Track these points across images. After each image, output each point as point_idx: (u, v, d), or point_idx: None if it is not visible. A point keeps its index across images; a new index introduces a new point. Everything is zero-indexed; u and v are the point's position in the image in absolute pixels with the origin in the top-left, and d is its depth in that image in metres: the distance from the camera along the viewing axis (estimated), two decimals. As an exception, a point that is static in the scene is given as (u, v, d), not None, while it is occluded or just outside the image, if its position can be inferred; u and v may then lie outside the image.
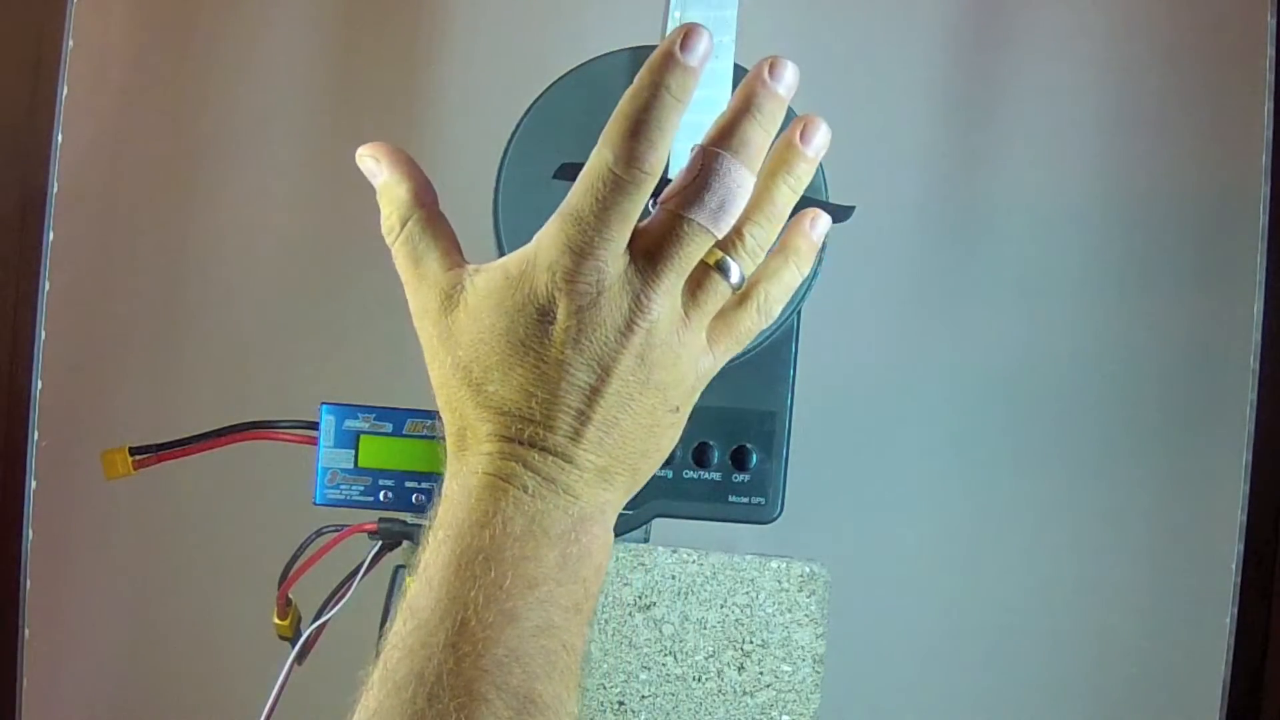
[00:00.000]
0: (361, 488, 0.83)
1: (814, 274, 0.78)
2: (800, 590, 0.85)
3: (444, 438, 0.54)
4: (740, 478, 0.82)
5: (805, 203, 0.76)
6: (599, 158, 0.51)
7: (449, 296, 0.54)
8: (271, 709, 0.80)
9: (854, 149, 1.28)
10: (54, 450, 1.29)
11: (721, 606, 0.85)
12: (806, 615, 0.85)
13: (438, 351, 0.54)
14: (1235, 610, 1.30)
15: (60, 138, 1.29)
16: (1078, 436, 1.33)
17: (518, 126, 0.78)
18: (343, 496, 0.84)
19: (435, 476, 0.85)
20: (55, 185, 1.29)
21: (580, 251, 0.50)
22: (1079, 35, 1.33)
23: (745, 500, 0.82)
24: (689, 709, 0.85)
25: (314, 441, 0.83)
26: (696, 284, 0.53)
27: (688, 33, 0.50)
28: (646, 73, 0.50)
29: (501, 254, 0.77)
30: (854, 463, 1.32)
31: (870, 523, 1.32)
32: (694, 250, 0.52)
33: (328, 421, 0.83)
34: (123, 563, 1.31)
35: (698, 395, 0.55)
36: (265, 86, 1.32)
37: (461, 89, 1.32)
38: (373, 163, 0.57)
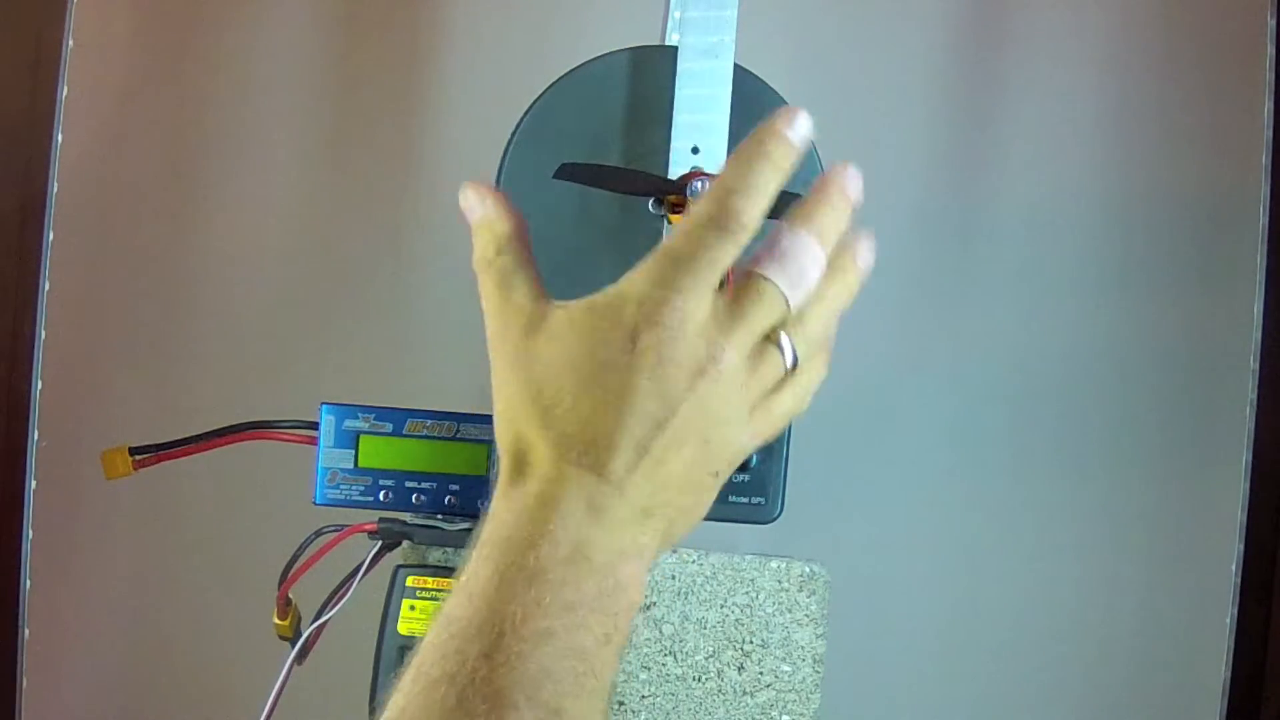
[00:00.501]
0: (361, 488, 0.83)
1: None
2: (800, 590, 0.85)
3: (496, 462, 0.56)
4: (740, 478, 0.82)
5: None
6: (701, 208, 0.54)
7: (532, 323, 0.56)
8: (271, 709, 0.80)
9: (854, 149, 1.29)
10: (54, 450, 1.29)
11: (721, 606, 0.85)
12: (806, 615, 0.85)
13: (510, 373, 0.55)
14: (1235, 610, 1.30)
15: (60, 138, 1.29)
16: (1078, 437, 1.33)
17: (518, 126, 0.78)
18: (343, 496, 0.84)
19: (435, 476, 0.85)
20: (55, 185, 1.29)
21: (671, 287, 0.53)
22: (1079, 35, 1.33)
23: (745, 500, 0.82)
24: (689, 709, 0.85)
25: (314, 441, 0.83)
26: (758, 355, 0.55)
27: (796, 113, 0.55)
28: (756, 140, 0.55)
29: (501, 254, 0.78)
30: (854, 463, 1.32)
31: (870, 523, 1.32)
32: (769, 313, 0.55)
33: (328, 421, 0.83)
34: (123, 563, 1.31)
35: (733, 469, 0.57)
36: (265, 86, 1.32)
37: (461, 89, 1.32)
38: (475, 198, 0.60)
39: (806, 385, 0.58)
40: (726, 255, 0.53)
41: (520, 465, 0.54)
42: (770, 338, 0.55)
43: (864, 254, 0.60)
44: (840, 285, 0.58)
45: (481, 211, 0.60)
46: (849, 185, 0.58)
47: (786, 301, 0.55)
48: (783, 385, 0.57)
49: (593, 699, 0.51)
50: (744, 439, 0.56)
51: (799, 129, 0.55)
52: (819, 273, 0.56)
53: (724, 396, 0.54)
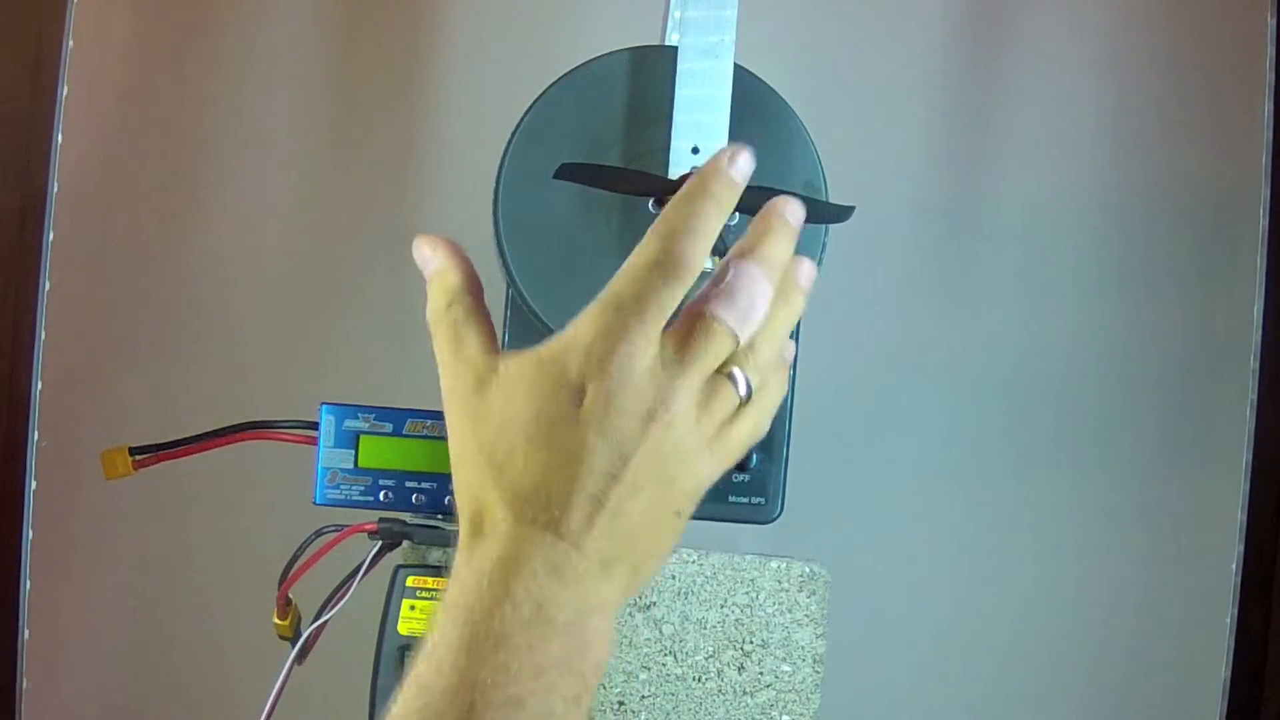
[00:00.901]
0: (361, 488, 0.83)
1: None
2: (800, 590, 0.85)
3: (457, 521, 0.56)
4: (740, 478, 0.82)
5: (805, 203, 0.76)
6: (645, 250, 0.54)
7: (482, 379, 0.55)
8: (271, 709, 0.80)
9: (854, 149, 1.29)
10: (54, 450, 1.29)
11: (722, 606, 0.85)
12: (806, 615, 0.85)
13: (463, 432, 0.55)
14: (1235, 610, 1.30)
15: (60, 138, 1.29)
16: (1078, 436, 1.33)
17: (518, 126, 0.78)
18: (343, 496, 0.84)
19: (435, 476, 0.85)
20: (55, 185, 1.29)
21: (616, 336, 0.53)
22: (1079, 36, 1.33)
23: (745, 500, 0.82)
24: (689, 709, 0.85)
25: (314, 441, 0.83)
26: (710, 391, 0.55)
27: (736, 152, 0.56)
28: (698, 180, 0.55)
29: (501, 254, 0.78)
30: (854, 463, 1.32)
31: (870, 523, 1.32)
32: (718, 351, 0.55)
33: (328, 421, 0.83)
34: (123, 563, 1.31)
35: (696, 504, 0.57)
36: (266, 87, 1.32)
37: (461, 89, 1.32)
38: (428, 250, 0.59)
39: (764, 409, 0.58)
40: (672, 299, 0.53)
41: (478, 526, 0.54)
42: (721, 370, 0.55)
43: (805, 275, 0.59)
44: (786, 310, 0.58)
45: (435, 264, 0.59)
46: (790, 214, 0.58)
47: (736, 337, 0.55)
48: (740, 414, 0.57)
49: None
50: (704, 474, 0.56)
51: (740, 167, 0.56)
52: (766, 305, 0.56)
53: (678, 439, 0.54)
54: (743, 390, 0.56)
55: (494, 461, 0.53)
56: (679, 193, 0.55)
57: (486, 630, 0.51)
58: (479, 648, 0.50)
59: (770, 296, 0.56)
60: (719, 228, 0.55)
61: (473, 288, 0.58)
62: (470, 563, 0.53)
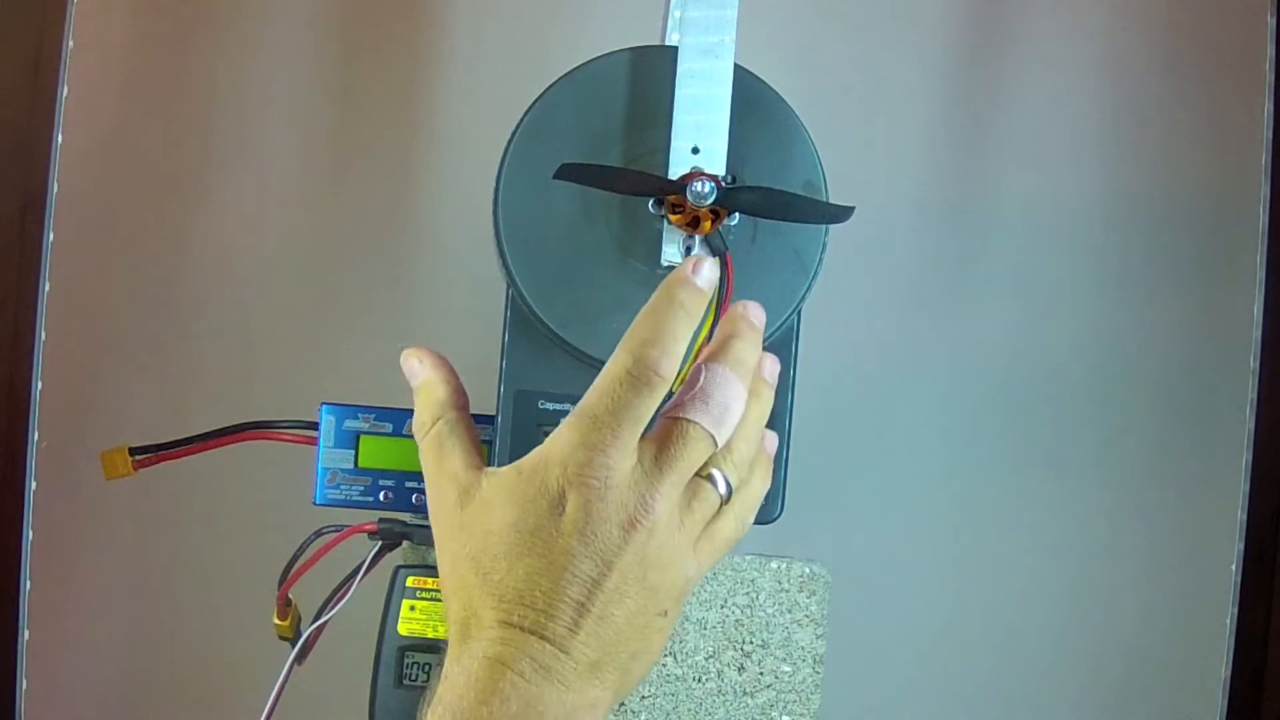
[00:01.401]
0: (361, 488, 0.83)
1: (814, 274, 0.78)
2: (800, 591, 0.85)
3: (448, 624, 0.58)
4: (740, 478, 0.82)
5: (805, 203, 0.76)
6: (617, 363, 0.56)
7: (465, 491, 0.57)
8: (271, 709, 0.80)
9: (854, 149, 1.29)
10: (54, 450, 1.29)
11: (722, 607, 0.85)
12: (807, 615, 0.85)
13: (450, 542, 0.57)
14: (1235, 610, 1.30)
15: (60, 138, 1.29)
16: (1078, 436, 1.33)
17: (518, 126, 0.78)
18: (343, 496, 0.84)
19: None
20: (55, 185, 1.29)
21: (592, 448, 0.54)
22: (1079, 35, 1.33)
23: (745, 500, 0.82)
24: (689, 709, 0.85)
25: (314, 441, 0.83)
26: (691, 494, 0.57)
27: (699, 262, 0.58)
28: (664, 291, 0.57)
29: (502, 254, 0.78)
30: (854, 463, 1.32)
31: (870, 523, 1.32)
32: (696, 455, 0.57)
33: (328, 421, 0.83)
34: (123, 563, 1.31)
35: (684, 603, 0.59)
36: (266, 87, 1.32)
37: (461, 90, 1.32)
38: (416, 363, 0.62)
39: (747, 505, 0.61)
40: (646, 409, 0.55)
41: (466, 629, 0.55)
42: (701, 472, 0.57)
43: (771, 372, 0.62)
44: (758, 406, 0.60)
45: (421, 376, 0.61)
46: (754, 315, 0.61)
47: (713, 440, 0.57)
48: (722, 513, 0.59)
49: None
50: (689, 575, 0.58)
51: (705, 275, 0.58)
52: (741, 405, 0.58)
53: (660, 544, 0.55)
54: (723, 490, 0.58)
55: (480, 569, 0.55)
56: (648, 304, 0.57)
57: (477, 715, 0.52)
58: None
59: (744, 396, 0.58)
60: (688, 335, 0.57)
61: (459, 402, 0.61)
62: (460, 662, 0.55)
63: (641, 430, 0.56)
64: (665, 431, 0.57)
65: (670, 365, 0.56)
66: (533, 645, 0.54)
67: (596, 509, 0.54)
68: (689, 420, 0.57)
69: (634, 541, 0.55)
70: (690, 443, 0.57)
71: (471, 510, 0.56)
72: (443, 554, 0.58)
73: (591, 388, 0.56)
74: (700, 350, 0.72)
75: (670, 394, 0.68)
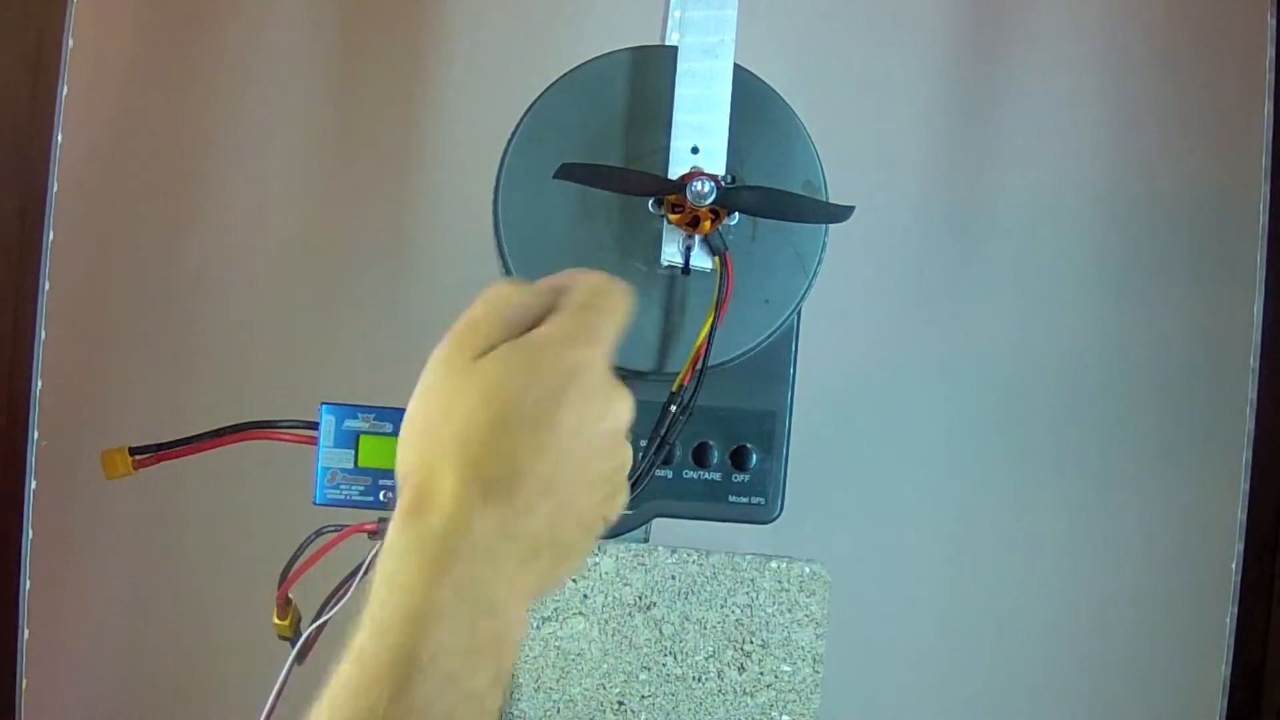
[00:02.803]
0: (361, 488, 0.83)
1: (814, 274, 0.78)
2: (800, 590, 0.85)
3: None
4: (740, 478, 0.82)
5: (805, 203, 0.76)
6: (594, 279, 0.58)
7: (476, 354, 0.57)
8: (271, 709, 0.80)
9: (854, 149, 1.29)
10: (54, 450, 1.29)
11: (722, 607, 0.85)
12: (807, 615, 0.85)
13: (440, 396, 0.56)
14: (1235, 610, 1.30)
15: (60, 138, 1.29)
16: (1078, 436, 1.33)
17: (518, 126, 0.78)
18: (343, 496, 0.83)
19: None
20: (55, 185, 1.29)
21: (590, 341, 0.56)
22: (1079, 35, 1.33)
23: (745, 500, 0.82)
24: (689, 709, 0.85)
25: (314, 441, 0.83)
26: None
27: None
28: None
29: (502, 254, 0.78)
30: (854, 463, 1.32)
31: (870, 523, 1.32)
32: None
33: (328, 421, 0.83)
34: (123, 563, 1.31)
35: (612, 522, 0.60)
36: (266, 86, 1.32)
37: (461, 89, 1.32)
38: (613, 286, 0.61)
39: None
40: (621, 318, 0.57)
41: (423, 498, 0.54)
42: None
43: None
44: None
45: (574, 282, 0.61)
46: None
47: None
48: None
49: None
50: (626, 491, 0.59)
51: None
52: None
53: (621, 445, 0.57)
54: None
55: (463, 431, 0.54)
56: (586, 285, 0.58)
57: (428, 605, 0.52)
58: (420, 619, 0.51)
59: None
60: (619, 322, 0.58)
61: (519, 318, 0.59)
62: (408, 535, 0.54)
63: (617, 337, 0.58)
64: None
65: (616, 322, 0.58)
66: (487, 520, 0.53)
67: (594, 398, 0.55)
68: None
69: (610, 435, 0.56)
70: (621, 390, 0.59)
71: (477, 370, 0.56)
72: (423, 404, 0.57)
73: (585, 282, 0.58)
74: (701, 350, 0.72)
75: (673, 392, 0.68)
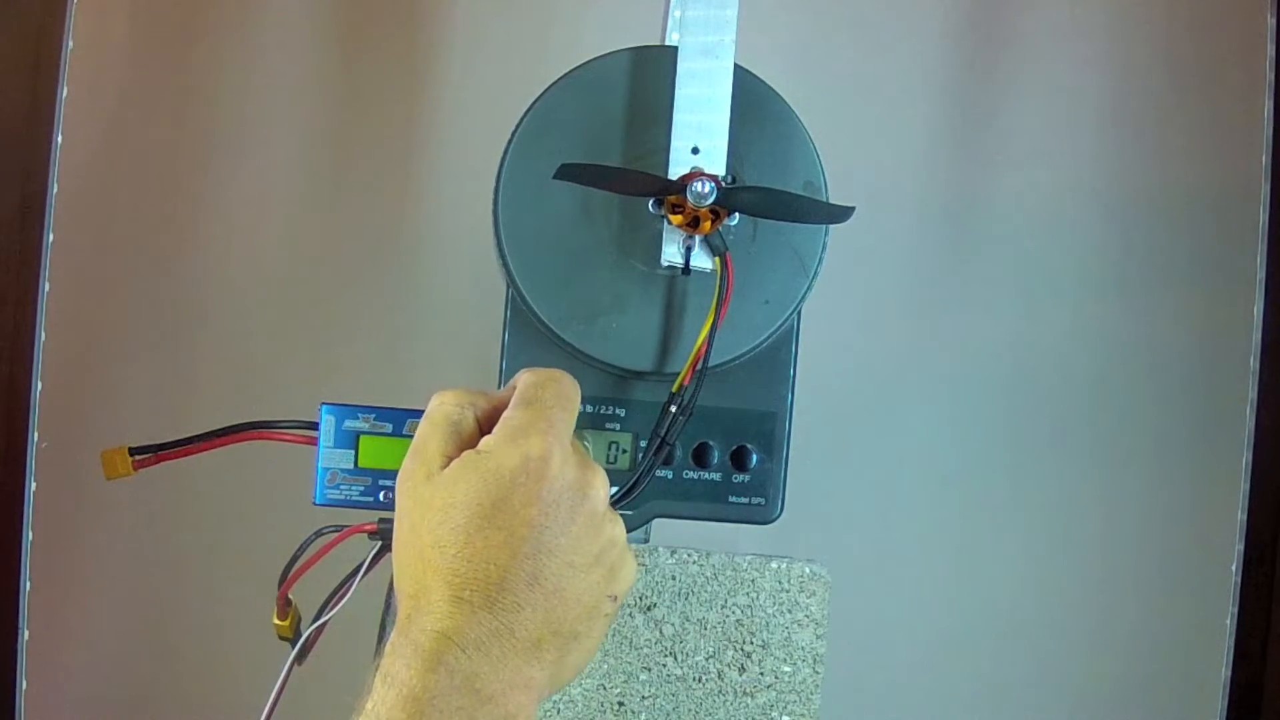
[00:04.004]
0: (361, 488, 0.83)
1: (814, 274, 0.78)
2: (801, 591, 0.85)
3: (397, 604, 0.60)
4: (740, 478, 0.82)
5: (805, 203, 0.76)
6: (532, 374, 0.61)
7: (431, 472, 0.59)
8: (271, 709, 0.80)
9: (854, 149, 1.29)
10: (54, 450, 1.29)
11: (722, 607, 0.85)
12: (807, 616, 0.85)
13: (408, 516, 0.59)
14: (1235, 610, 1.30)
15: (60, 138, 1.29)
16: (1078, 437, 1.33)
17: (517, 127, 0.78)
18: (343, 496, 0.83)
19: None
20: (55, 185, 1.29)
21: (545, 431, 0.58)
22: (1079, 35, 1.33)
23: (745, 500, 0.82)
24: (689, 709, 0.85)
25: (314, 441, 0.83)
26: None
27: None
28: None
29: (502, 254, 0.78)
30: (854, 463, 1.32)
31: (870, 523, 1.32)
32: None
33: (328, 421, 0.83)
34: (123, 563, 1.31)
35: (627, 592, 0.62)
36: (266, 86, 1.32)
37: (461, 90, 1.32)
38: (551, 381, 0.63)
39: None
40: (570, 402, 0.60)
41: (416, 604, 0.57)
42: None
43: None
44: None
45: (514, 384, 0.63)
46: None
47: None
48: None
49: None
50: (633, 563, 0.61)
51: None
52: None
53: (606, 522, 0.59)
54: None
55: (437, 543, 0.57)
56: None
57: (423, 691, 0.54)
58: (415, 704, 0.54)
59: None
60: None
61: (487, 413, 0.62)
62: (407, 635, 0.56)
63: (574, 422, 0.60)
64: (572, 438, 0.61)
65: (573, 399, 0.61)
66: (479, 620, 0.55)
67: (557, 484, 0.57)
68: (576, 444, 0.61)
69: (587, 516, 0.58)
70: (591, 463, 0.61)
71: (434, 486, 0.58)
72: (400, 527, 0.59)
73: (524, 379, 0.60)
74: (701, 350, 0.72)
75: (674, 392, 0.68)
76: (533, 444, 0.58)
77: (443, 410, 0.61)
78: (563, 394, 0.60)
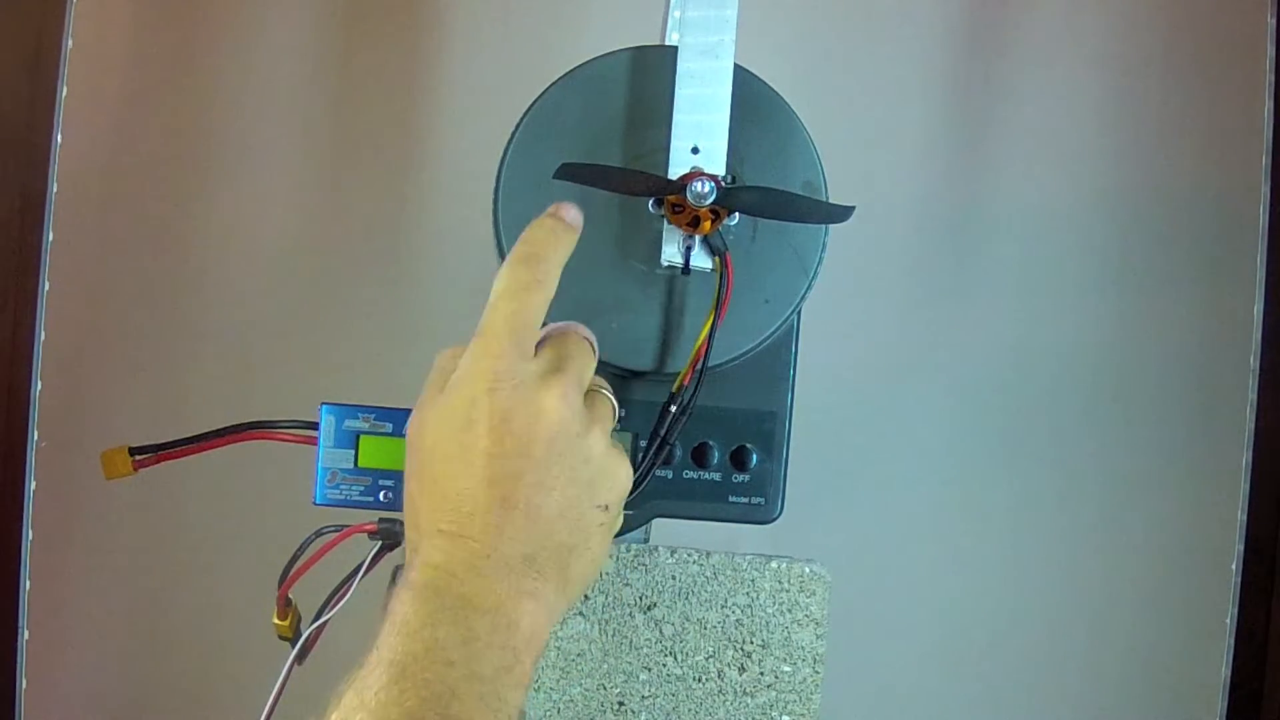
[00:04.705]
0: (361, 488, 0.83)
1: (814, 274, 0.78)
2: (801, 591, 0.85)
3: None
4: (740, 478, 0.82)
5: (804, 203, 0.76)
6: (499, 282, 0.62)
7: (413, 419, 0.62)
8: (271, 709, 0.80)
9: (854, 149, 1.29)
10: (54, 450, 1.29)
11: (722, 607, 0.85)
12: (807, 616, 0.85)
13: (405, 468, 0.62)
14: (1235, 610, 1.30)
15: (60, 138, 1.29)
16: (1078, 436, 1.33)
17: (518, 126, 0.78)
18: (343, 496, 0.83)
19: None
20: (55, 185, 1.29)
21: (494, 356, 0.60)
22: (1079, 35, 1.33)
23: (745, 500, 0.82)
24: (689, 709, 0.85)
25: (314, 441, 0.83)
26: (590, 403, 0.62)
27: (561, 207, 0.64)
28: (535, 221, 0.64)
29: (502, 254, 0.77)
30: (854, 463, 1.32)
31: (870, 523, 1.32)
32: (586, 360, 0.63)
33: (328, 421, 0.83)
34: (123, 563, 1.31)
35: (624, 499, 0.63)
36: (265, 86, 1.32)
37: (461, 89, 1.32)
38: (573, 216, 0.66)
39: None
40: (531, 313, 0.61)
41: (415, 547, 0.60)
42: (592, 387, 0.63)
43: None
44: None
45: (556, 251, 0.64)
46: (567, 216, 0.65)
47: (594, 349, 0.64)
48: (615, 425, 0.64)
49: (498, 718, 0.56)
50: (620, 474, 0.62)
51: (568, 212, 0.64)
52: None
53: (575, 436, 0.60)
54: (618, 408, 0.64)
55: (421, 485, 0.60)
56: (524, 232, 0.63)
57: (416, 615, 0.57)
58: (408, 631, 0.56)
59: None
60: (558, 250, 0.63)
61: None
62: (406, 576, 0.59)
63: (534, 337, 0.61)
64: (557, 340, 0.63)
65: (545, 270, 0.61)
66: (462, 546, 0.58)
67: (507, 409, 0.58)
68: (574, 330, 0.63)
69: (547, 434, 0.59)
70: (580, 348, 0.63)
71: (412, 433, 0.61)
72: (407, 479, 0.62)
73: (485, 309, 0.62)
74: (701, 350, 0.72)
75: (674, 392, 0.68)
76: (480, 377, 0.59)
77: (439, 364, 0.64)
78: (520, 306, 0.61)
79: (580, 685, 0.84)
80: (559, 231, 0.63)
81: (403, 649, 0.55)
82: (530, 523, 0.59)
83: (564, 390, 0.60)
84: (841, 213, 0.74)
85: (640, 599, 0.85)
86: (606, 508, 0.62)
